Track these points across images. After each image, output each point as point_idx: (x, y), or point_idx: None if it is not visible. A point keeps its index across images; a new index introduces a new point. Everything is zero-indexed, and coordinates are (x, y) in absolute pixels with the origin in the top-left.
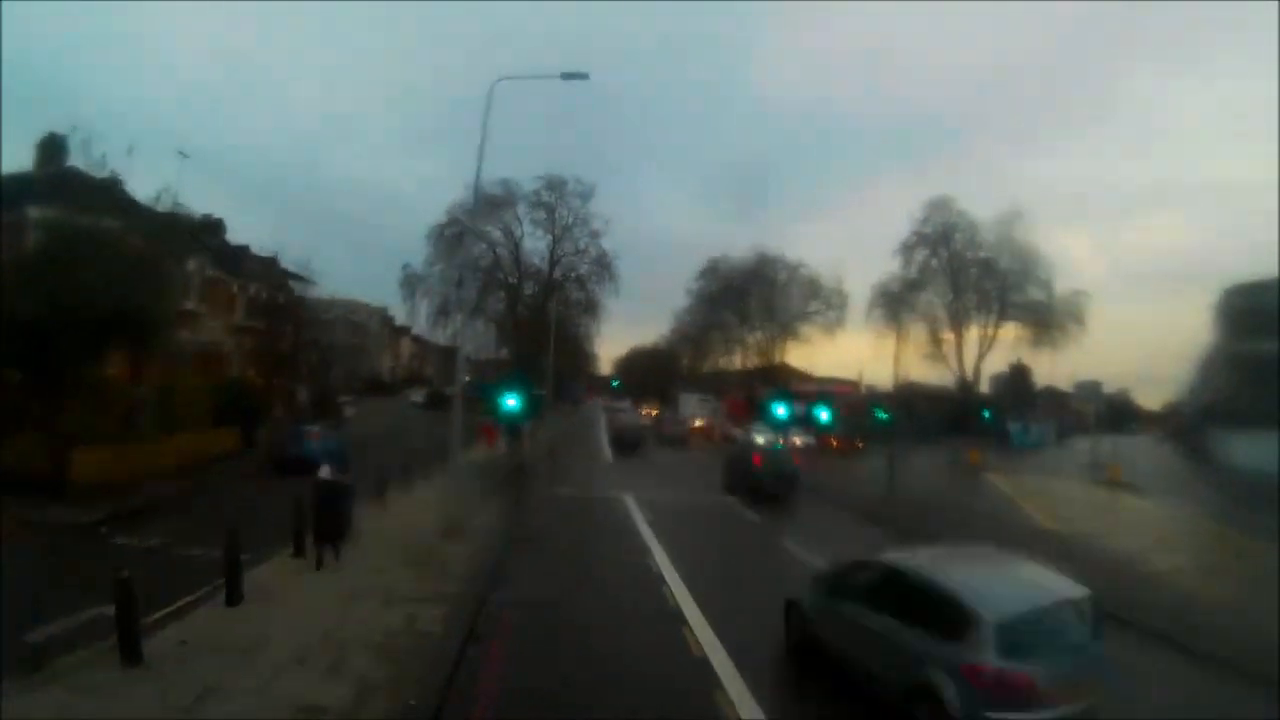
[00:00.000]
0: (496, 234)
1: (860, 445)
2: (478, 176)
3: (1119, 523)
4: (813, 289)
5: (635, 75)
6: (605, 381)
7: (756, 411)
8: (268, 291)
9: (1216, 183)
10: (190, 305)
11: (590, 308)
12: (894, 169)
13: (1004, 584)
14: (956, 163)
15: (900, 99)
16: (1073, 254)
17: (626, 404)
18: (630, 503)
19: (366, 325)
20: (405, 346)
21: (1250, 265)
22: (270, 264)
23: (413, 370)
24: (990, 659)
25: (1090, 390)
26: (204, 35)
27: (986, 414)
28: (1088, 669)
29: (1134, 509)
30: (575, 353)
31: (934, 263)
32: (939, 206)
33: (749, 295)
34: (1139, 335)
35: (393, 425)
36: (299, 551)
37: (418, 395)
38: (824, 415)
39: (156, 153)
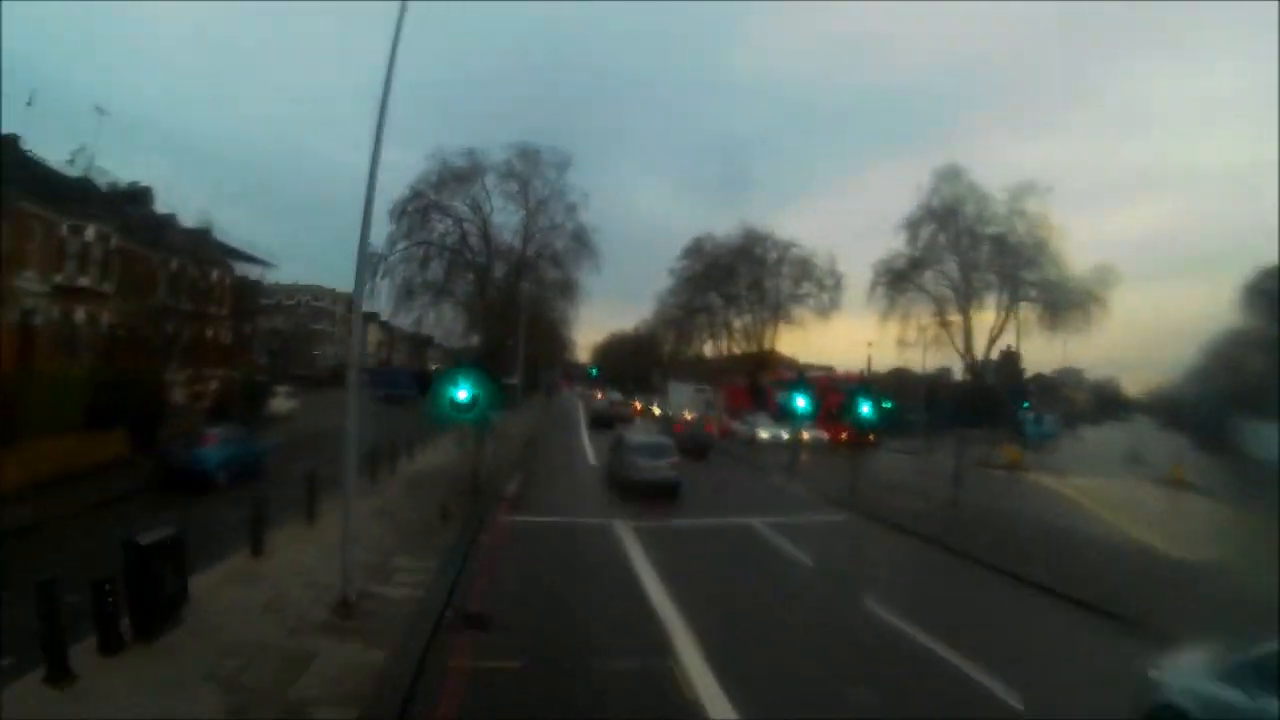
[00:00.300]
0: (463, 209)
1: (872, 439)
2: (385, 98)
3: (1243, 546)
4: (804, 270)
5: (615, 59)
6: (583, 369)
7: (760, 401)
8: (199, 269)
9: (1199, 168)
10: (87, 281)
11: (567, 289)
12: (881, 158)
13: (642, 436)
14: (945, 150)
15: (887, 88)
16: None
17: (617, 396)
18: (625, 536)
19: (330, 311)
20: (373, 333)
21: (1234, 249)
22: (201, 237)
23: (380, 359)
24: (629, 455)
25: (1073, 377)
26: (181, 23)
27: (1026, 404)
28: (663, 463)
29: (1235, 523)
30: (551, 338)
31: (942, 238)
32: (948, 178)
33: (736, 276)
34: (1117, 320)
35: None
36: (55, 675)
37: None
38: (865, 408)
39: (140, 146)
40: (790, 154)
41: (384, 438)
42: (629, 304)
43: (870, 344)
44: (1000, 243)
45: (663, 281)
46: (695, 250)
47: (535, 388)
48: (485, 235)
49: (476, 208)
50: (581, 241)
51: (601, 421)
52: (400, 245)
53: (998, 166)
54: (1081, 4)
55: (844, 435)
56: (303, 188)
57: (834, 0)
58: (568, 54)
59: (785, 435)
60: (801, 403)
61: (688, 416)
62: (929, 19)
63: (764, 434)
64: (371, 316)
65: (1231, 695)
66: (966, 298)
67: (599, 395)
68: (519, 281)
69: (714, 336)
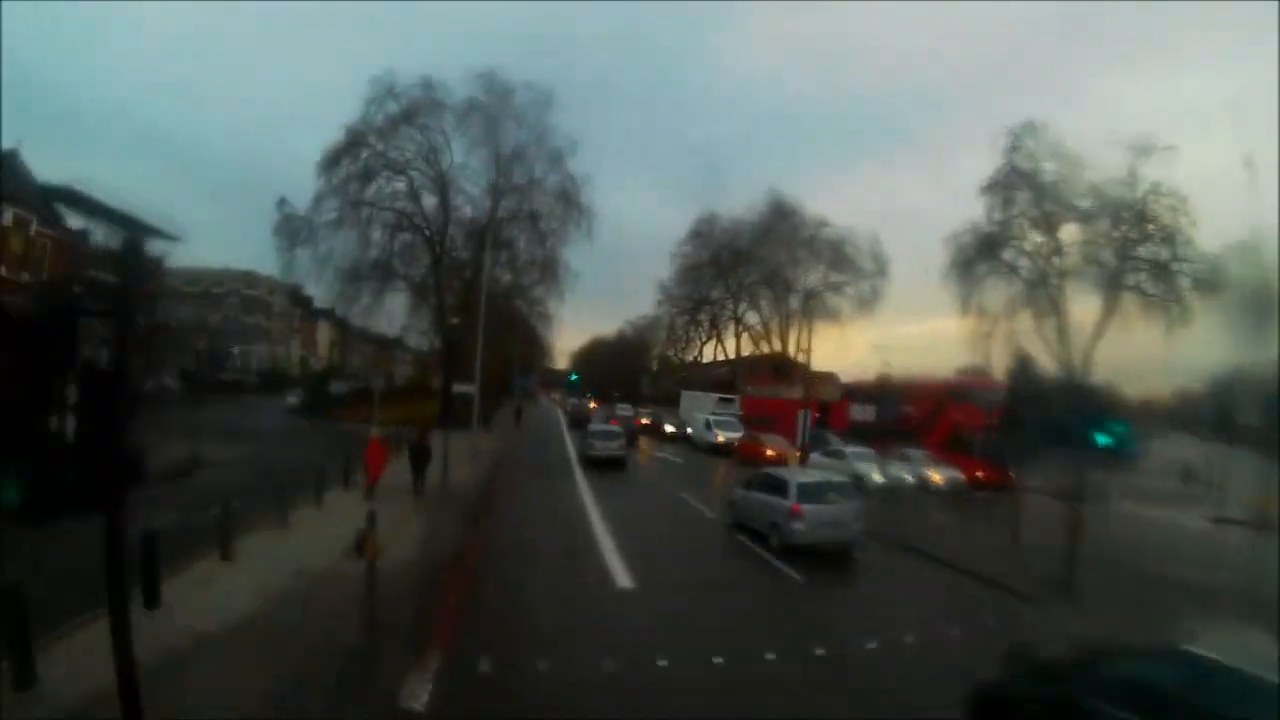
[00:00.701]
0: (416, 160)
1: (1012, 478)
2: None
3: None
4: (836, 253)
5: (593, 62)
6: (561, 377)
7: (823, 420)
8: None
9: (1194, 170)
10: None
11: (549, 269)
12: (864, 159)
13: (599, 426)
14: (938, 152)
15: (865, 94)
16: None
17: (627, 410)
18: None
19: (267, 302)
20: (323, 333)
21: (1234, 250)
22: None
23: (333, 361)
24: (590, 439)
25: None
26: (159, 21)
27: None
28: (614, 444)
29: None
30: (529, 337)
31: (1028, 205)
32: (1028, 133)
33: (752, 261)
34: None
35: (214, 448)
36: None
37: (294, 396)
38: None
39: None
40: (765, 167)
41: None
42: (609, 310)
43: (988, 335)
44: (1096, 215)
45: (644, 286)
46: (705, 230)
47: (510, 396)
48: (443, 194)
49: (432, 156)
50: (569, 200)
51: (577, 421)
52: (332, 207)
53: (967, 175)
54: (1076, 5)
55: (980, 473)
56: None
57: (812, 2)
58: (556, 57)
59: (908, 477)
60: (1105, 434)
61: (720, 439)
62: (918, 21)
63: (878, 476)
64: (325, 314)
65: (742, 493)
66: (1060, 281)
67: (594, 406)
68: (482, 252)
69: (719, 336)
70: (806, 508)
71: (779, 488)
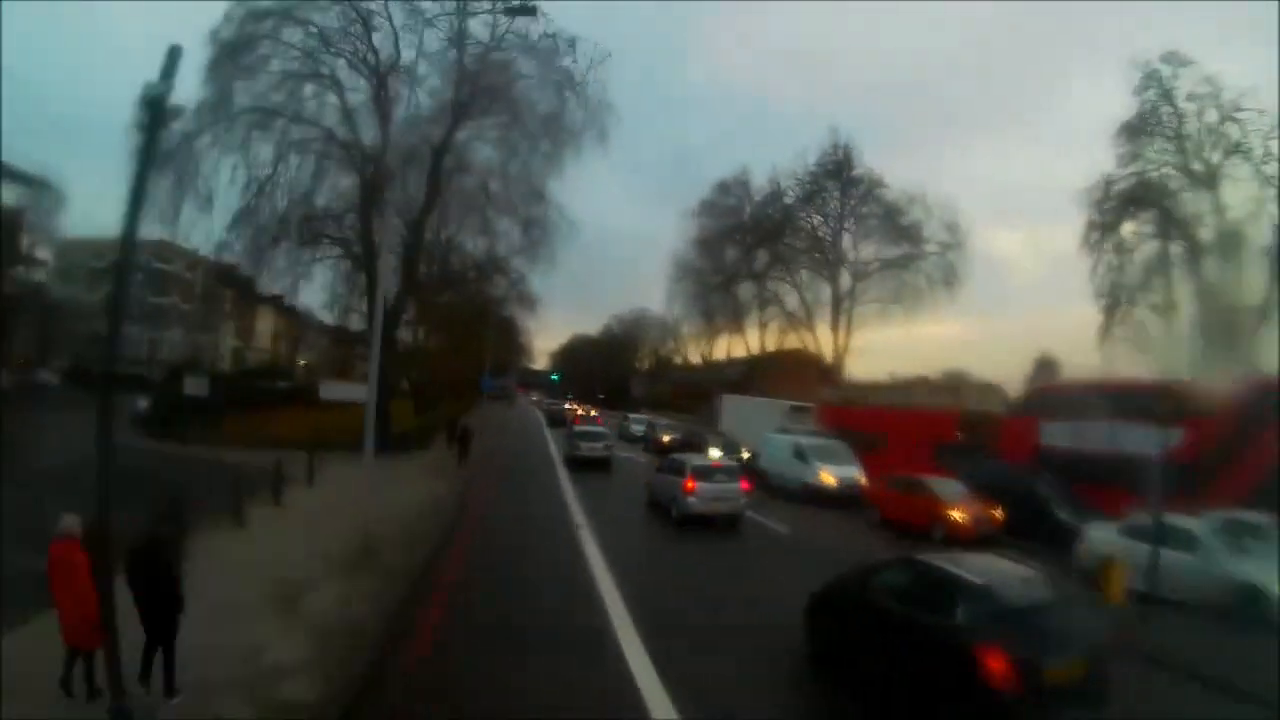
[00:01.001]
0: (337, 42)
1: None
2: None
3: None
4: (892, 221)
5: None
6: (539, 378)
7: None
8: None
9: None
10: None
11: (533, 223)
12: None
13: (585, 429)
14: (933, 155)
15: (842, 97)
16: (1007, 251)
17: (642, 419)
18: None
19: (184, 280)
20: (263, 321)
21: None
22: None
23: (277, 356)
24: (577, 440)
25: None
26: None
27: None
28: (599, 445)
29: None
30: (505, 327)
31: (1168, 153)
32: (1174, 66)
33: (783, 233)
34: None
35: None
36: None
37: (143, 399)
38: None
39: None
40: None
41: None
42: (591, 308)
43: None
44: (1259, 165)
45: (628, 281)
46: (719, 201)
47: (488, 395)
48: (379, 102)
49: (363, 49)
50: (563, 97)
51: (555, 421)
52: (218, 121)
53: (966, 181)
54: (1060, 6)
55: None
56: None
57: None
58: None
59: None
60: None
61: (827, 480)
62: (894, 21)
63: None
64: (273, 300)
65: (656, 477)
66: (1213, 253)
67: (593, 412)
68: (433, 184)
69: (738, 326)
70: (699, 485)
71: (679, 470)
